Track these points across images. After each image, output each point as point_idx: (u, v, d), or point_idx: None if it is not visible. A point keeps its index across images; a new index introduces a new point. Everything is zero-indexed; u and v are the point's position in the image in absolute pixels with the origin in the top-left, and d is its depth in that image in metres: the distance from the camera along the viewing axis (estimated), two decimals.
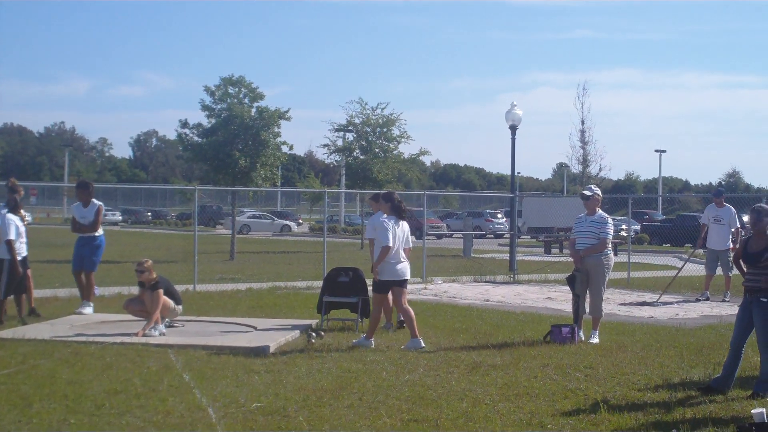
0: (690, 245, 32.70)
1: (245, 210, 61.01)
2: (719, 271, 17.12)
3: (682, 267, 19.09)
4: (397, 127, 37.38)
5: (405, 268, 10.98)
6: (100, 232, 13.77)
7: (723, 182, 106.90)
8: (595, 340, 11.23)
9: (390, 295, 11.39)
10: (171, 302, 11.75)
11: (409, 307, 10.95)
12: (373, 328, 10.88)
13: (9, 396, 7.67)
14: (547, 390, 8.27)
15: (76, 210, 13.87)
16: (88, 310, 13.36)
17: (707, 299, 16.87)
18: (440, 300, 16.48)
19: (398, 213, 11.06)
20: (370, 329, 10.89)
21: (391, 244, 10.73)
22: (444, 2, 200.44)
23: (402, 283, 10.98)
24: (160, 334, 11.05)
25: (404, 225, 11.13)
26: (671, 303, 16.35)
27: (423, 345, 10.62)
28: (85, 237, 13.69)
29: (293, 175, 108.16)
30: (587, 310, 11.60)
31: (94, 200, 13.80)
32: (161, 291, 11.44)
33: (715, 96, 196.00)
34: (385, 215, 11.12)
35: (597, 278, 11.42)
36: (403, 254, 11.01)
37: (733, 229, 16.72)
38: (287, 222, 59.98)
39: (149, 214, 76.44)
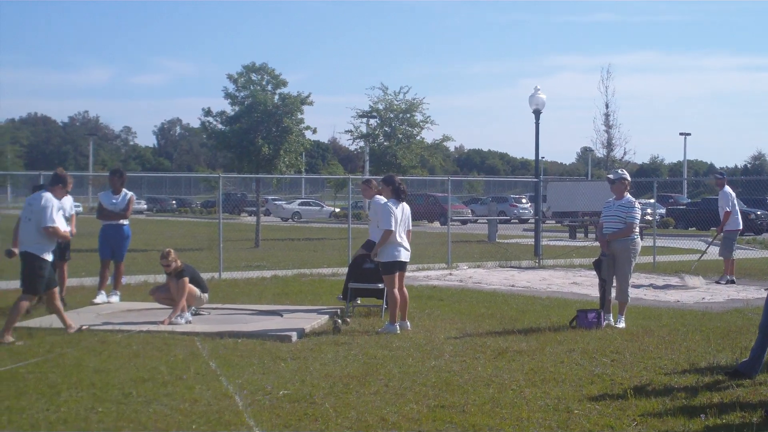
0: (714, 228, 32.58)
1: (285, 198, 61.31)
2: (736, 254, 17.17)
3: (706, 249, 18.89)
4: (420, 112, 37.22)
5: (405, 251, 11.03)
6: (126, 221, 13.82)
7: (748, 165, 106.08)
8: (621, 324, 11.18)
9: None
10: (197, 290, 11.80)
11: (399, 295, 10.93)
12: (395, 312, 10.88)
13: (37, 385, 7.73)
14: (574, 375, 8.24)
15: (104, 197, 13.86)
16: (115, 298, 13.44)
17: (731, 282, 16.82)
18: (465, 285, 16.45)
19: (398, 196, 11.11)
20: (391, 314, 10.90)
21: (393, 228, 10.84)
22: None
23: (402, 266, 11.05)
24: (186, 322, 11.10)
25: (405, 207, 11.21)
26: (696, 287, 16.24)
27: (398, 331, 10.68)
28: (111, 226, 13.68)
29: (317, 161, 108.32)
30: (613, 294, 11.54)
31: (126, 190, 13.83)
32: (187, 279, 11.48)
33: (738, 78, 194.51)
34: (386, 199, 11.18)
35: (624, 263, 11.36)
36: (405, 237, 11.08)
37: (726, 211, 16.84)
38: (335, 209, 60.39)
39: (174, 202, 76.93)
